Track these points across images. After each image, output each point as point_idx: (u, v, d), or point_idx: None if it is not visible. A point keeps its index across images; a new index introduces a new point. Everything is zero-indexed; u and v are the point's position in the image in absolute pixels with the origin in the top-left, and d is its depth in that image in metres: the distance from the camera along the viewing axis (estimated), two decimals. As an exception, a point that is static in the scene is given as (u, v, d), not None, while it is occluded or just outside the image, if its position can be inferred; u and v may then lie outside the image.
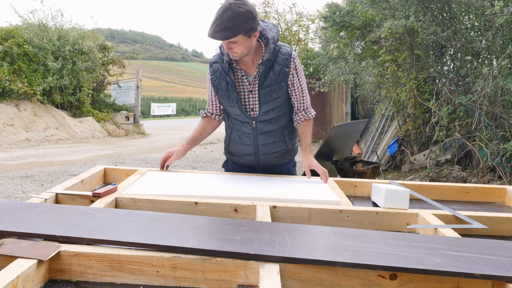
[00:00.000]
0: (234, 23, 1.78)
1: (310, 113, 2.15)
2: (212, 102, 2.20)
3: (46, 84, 12.53)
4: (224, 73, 2.04)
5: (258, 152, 2.18)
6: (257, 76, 2.02)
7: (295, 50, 14.45)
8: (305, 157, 2.15)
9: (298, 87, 2.07)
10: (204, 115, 2.27)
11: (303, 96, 2.12)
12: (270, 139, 2.15)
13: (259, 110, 2.07)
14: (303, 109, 2.13)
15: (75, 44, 13.50)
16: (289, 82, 2.04)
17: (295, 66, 2.03)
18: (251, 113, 2.09)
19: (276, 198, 1.71)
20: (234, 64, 2.03)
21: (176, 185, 1.88)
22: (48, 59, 12.69)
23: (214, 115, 2.24)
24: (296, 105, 2.11)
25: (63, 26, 13.88)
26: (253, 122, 2.10)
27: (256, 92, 2.03)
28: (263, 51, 1.98)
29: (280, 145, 2.18)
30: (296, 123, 2.15)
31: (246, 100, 2.07)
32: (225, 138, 2.32)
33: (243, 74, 2.04)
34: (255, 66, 2.02)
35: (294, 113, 2.16)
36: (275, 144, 2.17)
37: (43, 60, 12.65)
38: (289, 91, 2.08)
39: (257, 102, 2.06)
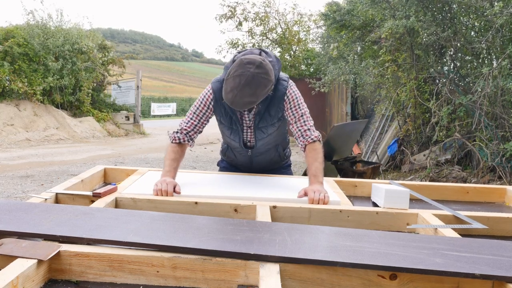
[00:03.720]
0: (256, 96, 1.74)
1: (309, 136, 1.95)
2: (195, 124, 2.02)
3: (46, 84, 12.53)
4: (230, 110, 1.98)
5: (252, 166, 2.26)
6: (254, 113, 2.01)
7: (294, 51, 14.43)
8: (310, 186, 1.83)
9: (291, 116, 1.99)
10: (178, 141, 2.00)
11: (299, 121, 1.99)
12: (265, 157, 2.23)
13: (255, 144, 2.12)
14: (301, 135, 1.97)
15: (75, 44, 13.50)
16: (285, 113, 2.01)
17: (289, 99, 1.98)
18: (248, 144, 2.14)
19: (276, 198, 1.71)
20: None
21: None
22: (49, 59, 12.69)
23: (188, 140, 2.02)
24: (295, 132, 2.01)
25: (62, 25, 13.88)
26: (249, 150, 2.15)
27: (253, 128, 2.06)
28: None
29: (275, 159, 2.28)
30: (301, 149, 2.03)
31: (245, 134, 2.10)
32: (222, 144, 2.38)
33: (245, 110, 1.99)
34: None
35: (295, 138, 2.03)
36: (270, 159, 2.26)
37: (43, 60, 12.65)
38: (286, 119, 2.05)
39: (253, 137, 2.10)
